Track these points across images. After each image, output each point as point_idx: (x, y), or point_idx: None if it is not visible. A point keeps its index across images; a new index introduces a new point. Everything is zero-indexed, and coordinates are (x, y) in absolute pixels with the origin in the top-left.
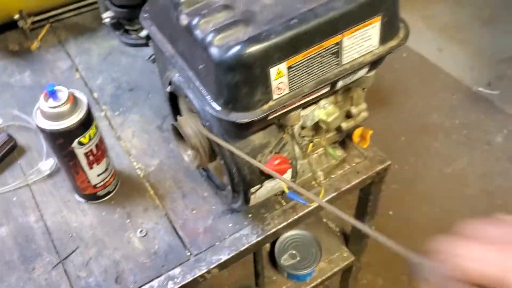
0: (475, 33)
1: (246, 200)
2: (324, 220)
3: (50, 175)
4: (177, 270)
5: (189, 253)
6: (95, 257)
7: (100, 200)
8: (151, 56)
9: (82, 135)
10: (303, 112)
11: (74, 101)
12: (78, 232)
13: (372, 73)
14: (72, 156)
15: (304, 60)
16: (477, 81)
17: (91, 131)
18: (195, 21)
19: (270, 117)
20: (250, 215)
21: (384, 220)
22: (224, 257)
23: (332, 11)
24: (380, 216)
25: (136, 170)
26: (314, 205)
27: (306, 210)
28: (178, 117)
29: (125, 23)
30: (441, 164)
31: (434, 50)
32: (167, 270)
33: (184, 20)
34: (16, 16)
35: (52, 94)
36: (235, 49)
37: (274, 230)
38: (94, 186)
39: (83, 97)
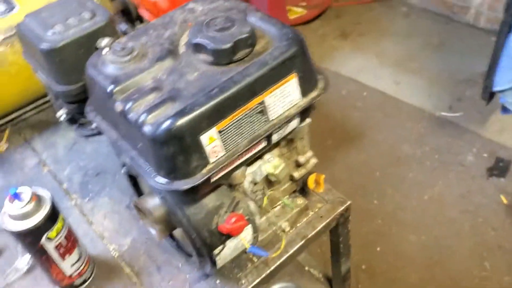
0: (428, 60)
1: (213, 263)
2: (307, 268)
3: (29, 270)
4: None
5: None
6: None
7: None
8: None
9: (50, 230)
10: (250, 169)
11: (37, 200)
12: None
13: (306, 122)
14: (43, 251)
15: (233, 122)
16: (439, 107)
17: (58, 225)
18: (128, 106)
19: (214, 179)
20: (224, 277)
21: (373, 257)
22: None
23: (248, 77)
24: (368, 253)
25: (111, 252)
26: (285, 256)
27: (278, 262)
28: (138, 198)
29: (78, 117)
30: (419, 192)
31: (392, 84)
32: None
33: (118, 107)
34: None
35: (16, 196)
36: (165, 124)
37: (249, 287)
38: (70, 276)
39: (46, 194)
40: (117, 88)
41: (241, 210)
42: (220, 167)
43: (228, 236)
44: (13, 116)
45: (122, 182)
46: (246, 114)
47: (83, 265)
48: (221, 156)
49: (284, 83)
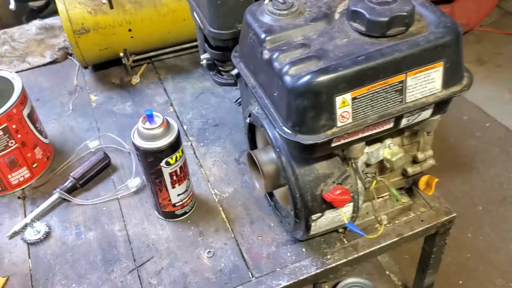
0: None
1: (307, 228)
2: (387, 272)
3: (136, 192)
4: None
5: (251, 275)
6: (167, 267)
7: (177, 219)
8: (237, 100)
9: (170, 156)
10: (368, 149)
11: (167, 126)
12: (155, 244)
13: (437, 117)
14: (159, 174)
15: (369, 93)
16: None
17: (177, 154)
18: (275, 55)
19: (334, 144)
20: (311, 248)
21: None
22: (283, 283)
23: (397, 52)
24: (449, 284)
25: (213, 195)
26: (376, 246)
27: (368, 250)
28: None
29: (219, 64)
30: None
31: None
32: (230, 287)
33: (266, 55)
34: (121, 54)
35: (150, 117)
36: (306, 78)
37: (333, 265)
38: (174, 205)
39: (174, 124)
40: (269, 38)
41: (349, 185)
42: (344, 133)
43: (329, 206)
44: (152, 54)
45: (236, 138)
46: (383, 89)
47: (187, 198)
48: (348, 123)
49: (429, 68)
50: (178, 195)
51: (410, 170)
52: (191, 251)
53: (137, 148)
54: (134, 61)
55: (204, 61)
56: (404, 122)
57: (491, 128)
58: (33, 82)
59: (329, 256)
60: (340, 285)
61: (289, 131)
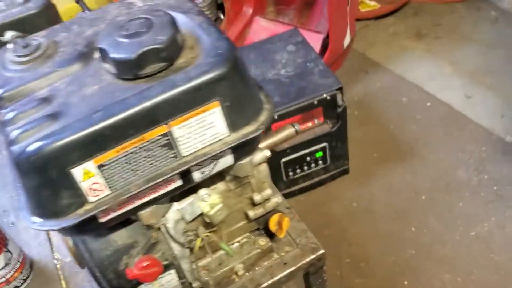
0: (509, 77)
1: None
2: None
3: None
4: None
5: None
6: None
7: None
8: None
9: None
10: (178, 205)
11: None
12: None
13: (246, 160)
14: None
15: (121, 156)
16: (510, 131)
17: None
18: (9, 116)
19: (103, 220)
20: None
21: None
22: None
23: (146, 100)
24: (393, 286)
25: (54, 261)
26: None
27: None
28: None
29: None
30: (466, 226)
31: (462, 98)
32: None
33: (1, 116)
34: None
35: None
36: (29, 148)
37: None
38: None
39: None
40: (5, 94)
41: (159, 253)
42: (103, 208)
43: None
44: None
45: None
46: (142, 148)
47: (12, 271)
48: (105, 196)
49: (201, 112)
50: None
51: (252, 213)
52: None
53: None
54: None
55: None
56: (197, 176)
57: (432, 108)
58: None
59: None
60: None
61: (31, 217)
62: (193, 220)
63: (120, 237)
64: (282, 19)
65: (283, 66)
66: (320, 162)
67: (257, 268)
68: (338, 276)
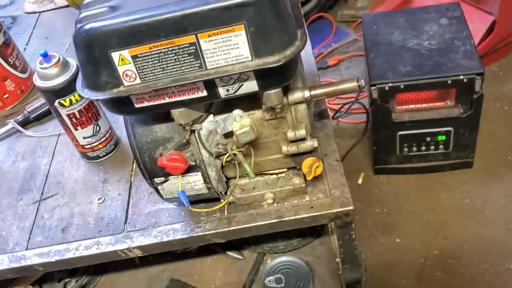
0: None
1: (156, 191)
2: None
3: None
4: (106, 239)
5: (124, 229)
6: (62, 206)
7: (92, 161)
8: None
9: (63, 98)
10: (214, 117)
11: (61, 66)
12: (64, 182)
13: (274, 90)
14: (57, 114)
15: (153, 53)
16: None
17: (72, 97)
18: (85, 2)
19: (139, 106)
20: (190, 214)
21: None
22: (147, 242)
23: (180, 9)
24: None
25: None
26: (251, 224)
27: (240, 226)
28: None
29: None
30: None
31: None
32: (100, 235)
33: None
34: None
35: (45, 56)
36: (82, 28)
37: (200, 234)
38: (83, 147)
39: (73, 67)
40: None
41: (188, 153)
42: (133, 93)
43: None
44: None
45: None
46: (172, 50)
47: (97, 142)
48: (136, 84)
49: (226, 31)
50: (84, 138)
51: (284, 148)
52: (88, 195)
53: (36, 86)
54: None
55: None
56: (222, 92)
57: None
58: (51, 21)
59: (201, 224)
60: (273, 262)
61: (80, 85)
62: (226, 136)
63: (160, 129)
64: None
65: (428, 38)
66: (441, 146)
67: (286, 203)
68: (420, 263)
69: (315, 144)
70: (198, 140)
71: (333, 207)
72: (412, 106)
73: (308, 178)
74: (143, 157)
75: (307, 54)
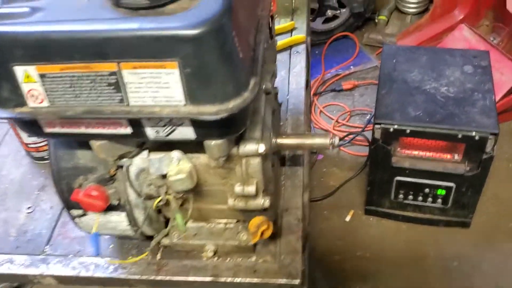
0: None
1: (75, 223)
2: None
3: None
4: (21, 258)
5: (43, 250)
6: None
7: (36, 161)
8: None
9: None
10: (148, 155)
11: None
12: (9, 180)
13: (217, 142)
14: None
15: (64, 75)
16: None
17: None
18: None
19: (48, 131)
20: (121, 249)
21: None
22: (63, 272)
23: (103, 30)
24: None
25: None
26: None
27: (169, 278)
28: None
29: None
30: None
31: None
32: (17, 252)
33: None
34: None
35: None
36: None
37: (123, 277)
38: (27, 145)
39: None
40: None
41: (113, 190)
42: (39, 117)
43: None
44: None
45: None
46: (86, 76)
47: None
48: (43, 107)
49: (156, 67)
50: (29, 136)
51: (231, 202)
52: (19, 201)
53: None
54: None
55: None
56: (150, 133)
57: None
58: None
59: (126, 265)
60: None
61: None
62: (164, 176)
63: (84, 156)
64: (492, 37)
65: (448, 83)
66: (440, 200)
67: (228, 259)
68: None
69: (267, 204)
70: (126, 177)
71: (278, 276)
72: (415, 152)
73: (252, 241)
74: (61, 184)
75: (297, 87)
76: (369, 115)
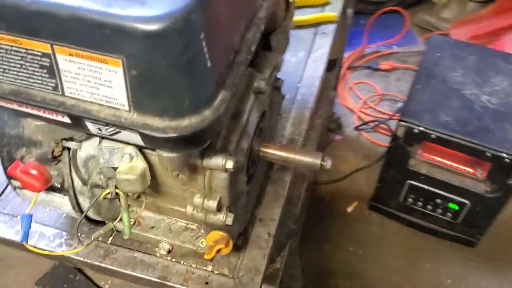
0: None
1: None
2: None
3: None
4: None
5: None
6: None
7: None
8: None
9: None
10: (100, 143)
11: None
12: None
13: (170, 155)
14: None
15: None
16: None
17: None
18: None
19: None
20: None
21: None
22: (6, 235)
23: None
24: None
25: None
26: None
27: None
28: None
29: None
30: None
31: None
32: None
33: None
34: None
35: None
36: None
37: (67, 255)
38: None
39: None
40: None
41: (56, 171)
42: None
43: None
44: None
45: None
46: (16, 51)
47: None
48: None
49: (96, 60)
50: None
51: (189, 210)
52: None
53: None
54: None
55: None
56: (92, 128)
57: None
58: None
59: (73, 242)
60: None
61: None
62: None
63: (30, 128)
64: None
65: (491, 92)
66: (450, 214)
67: (182, 262)
68: None
69: (229, 221)
70: (72, 162)
71: None
72: (437, 158)
73: (206, 257)
74: (2, 151)
75: (313, 75)
76: (400, 103)
